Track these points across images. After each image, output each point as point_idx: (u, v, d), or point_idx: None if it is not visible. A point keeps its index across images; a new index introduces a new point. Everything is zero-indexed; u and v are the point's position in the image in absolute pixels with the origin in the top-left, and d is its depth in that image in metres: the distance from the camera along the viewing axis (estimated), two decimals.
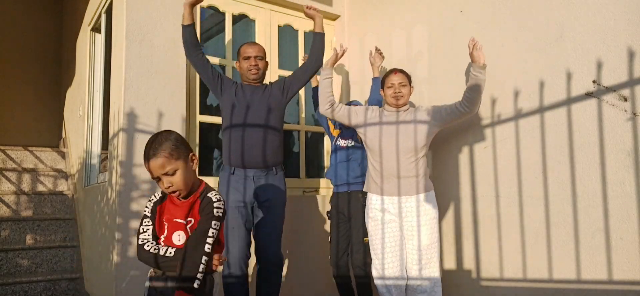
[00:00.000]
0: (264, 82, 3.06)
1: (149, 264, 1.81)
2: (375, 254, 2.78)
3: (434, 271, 2.66)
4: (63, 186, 4.63)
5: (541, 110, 2.53)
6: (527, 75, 2.60)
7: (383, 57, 3.46)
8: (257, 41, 3.70)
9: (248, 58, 2.95)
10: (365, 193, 3.09)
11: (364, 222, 3.06)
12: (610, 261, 2.22)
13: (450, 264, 3.00)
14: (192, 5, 2.84)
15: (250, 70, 2.94)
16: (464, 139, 2.94)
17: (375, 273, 2.77)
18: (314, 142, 4.09)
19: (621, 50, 2.21)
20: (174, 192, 1.78)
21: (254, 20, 3.72)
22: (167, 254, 1.74)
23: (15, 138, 5.28)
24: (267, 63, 3.06)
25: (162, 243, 1.80)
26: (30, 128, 5.54)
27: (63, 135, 5.35)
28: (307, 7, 3.10)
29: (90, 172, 3.97)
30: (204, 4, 3.47)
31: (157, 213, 1.84)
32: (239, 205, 2.77)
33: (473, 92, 2.60)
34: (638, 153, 2.14)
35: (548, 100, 2.50)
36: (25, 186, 4.44)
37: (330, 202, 3.33)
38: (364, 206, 3.10)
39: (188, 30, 2.85)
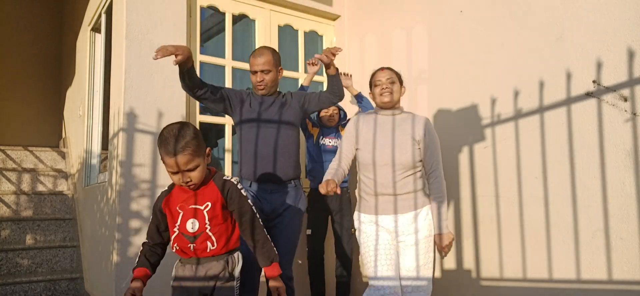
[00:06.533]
0: (279, 91, 2.86)
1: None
2: (369, 264, 2.57)
3: (426, 281, 2.49)
4: (63, 186, 4.62)
5: (541, 110, 2.53)
6: (527, 75, 2.60)
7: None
8: (257, 41, 3.69)
9: (255, 73, 2.74)
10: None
11: (350, 215, 3.33)
12: (610, 261, 2.22)
13: (450, 264, 3.00)
14: (183, 62, 2.30)
15: (257, 85, 2.75)
16: (464, 139, 2.94)
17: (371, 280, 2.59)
18: None
19: (621, 50, 2.21)
20: (190, 185, 1.82)
21: (254, 20, 3.72)
22: None
23: (15, 138, 5.28)
24: (278, 71, 2.80)
25: (177, 230, 1.89)
26: (30, 128, 5.54)
27: (63, 135, 5.35)
28: (325, 56, 2.62)
29: (90, 172, 3.97)
30: (204, 3, 3.47)
31: (165, 206, 1.92)
32: None
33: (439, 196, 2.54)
34: (638, 153, 2.14)
35: (548, 100, 2.50)
36: (25, 186, 4.44)
37: (311, 199, 3.37)
38: (349, 200, 3.43)
39: (184, 79, 2.42)
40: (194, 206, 1.87)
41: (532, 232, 2.55)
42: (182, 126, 1.79)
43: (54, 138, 5.55)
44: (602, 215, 2.25)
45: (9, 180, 4.39)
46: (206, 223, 1.86)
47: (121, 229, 2.85)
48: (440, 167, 2.54)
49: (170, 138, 1.74)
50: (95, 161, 3.98)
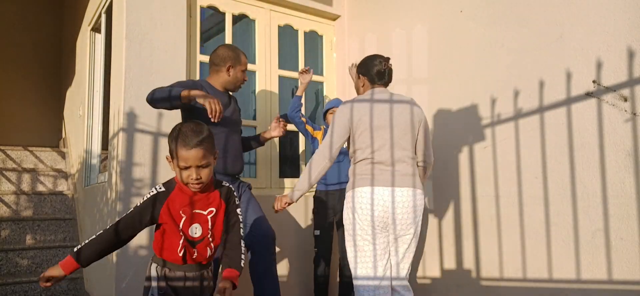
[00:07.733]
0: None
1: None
2: None
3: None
4: (63, 186, 4.62)
5: (541, 110, 2.53)
6: (527, 75, 2.60)
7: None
8: (257, 41, 3.71)
9: (245, 72, 2.89)
10: None
11: None
12: (610, 261, 2.22)
13: (450, 264, 3.00)
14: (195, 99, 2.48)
15: (241, 84, 2.87)
16: (464, 139, 2.94)
17: None
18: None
19: (621, 50, 2.21)
20: (198, 184, 1.80)
21: (254, 20, 3.72)
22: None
23: (15, 138, 5.28)
24: None
25: (182, 233, 1.84)
26: (30, 128, 5.54)
27: (63, 135, 5.35)
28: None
29: (90, 172, 3.97)
30: (204, 3, 3.47)
31: (165, 208, 1.84)
32: None
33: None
34: (638, 153, 2.14)
35: (548, 100, 2.50)
36: (25, 186, 4.44)
37: (316, 200, 3.40)
38: None
39: (175, 104, 2.55)
40: (198, 211, 1.85)
41: (532, 232, 2.55)
42: (198, 124, 1.84)
43: (54, 138, 5.55)
44: (602, 215, 2.25)
45: (9, 180, 4.39)
46: (209, 229, 1.86)
47: None
48: (321, 149, 2.49)
49: (189, 133, 1.77)
50: (95, 161, 3.98)
